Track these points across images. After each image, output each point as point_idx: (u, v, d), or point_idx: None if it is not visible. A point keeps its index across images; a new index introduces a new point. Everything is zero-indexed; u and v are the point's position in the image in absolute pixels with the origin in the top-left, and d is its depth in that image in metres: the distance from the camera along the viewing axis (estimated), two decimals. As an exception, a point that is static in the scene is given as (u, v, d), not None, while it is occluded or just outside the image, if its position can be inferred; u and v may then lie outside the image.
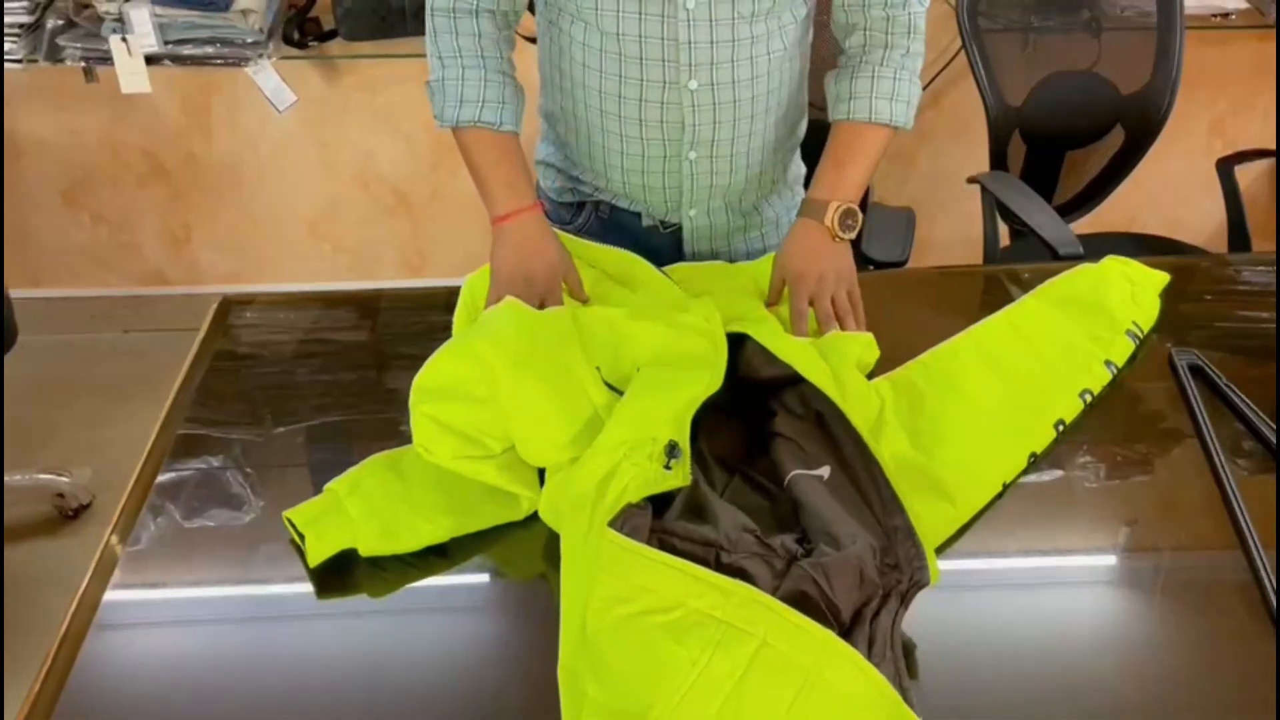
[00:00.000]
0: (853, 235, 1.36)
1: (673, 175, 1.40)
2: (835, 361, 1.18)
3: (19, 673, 1.90)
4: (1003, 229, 2.21)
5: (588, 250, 1.39)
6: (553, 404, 1.10)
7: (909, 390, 1.24)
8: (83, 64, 2.31)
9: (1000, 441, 1.18)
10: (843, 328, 1.30)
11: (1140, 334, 1.32)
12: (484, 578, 1.10)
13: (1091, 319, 1.32)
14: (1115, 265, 1.40)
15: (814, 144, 1.53)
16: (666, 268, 1.38)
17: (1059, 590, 1.09)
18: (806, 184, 1.47)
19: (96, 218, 2.90)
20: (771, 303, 1.34)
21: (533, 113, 1.50)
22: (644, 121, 1.35)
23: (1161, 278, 1.39)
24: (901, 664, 0.91)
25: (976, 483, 1.14)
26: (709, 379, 1.12)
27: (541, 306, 1.24)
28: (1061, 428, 1.21)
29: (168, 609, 1.08)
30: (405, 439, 1.13)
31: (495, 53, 1.34)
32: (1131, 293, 1.36)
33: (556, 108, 1.44)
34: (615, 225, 1.49)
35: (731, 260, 1.48)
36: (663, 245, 1.49)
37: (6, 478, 2.29)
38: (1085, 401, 1.24)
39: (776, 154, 1.46)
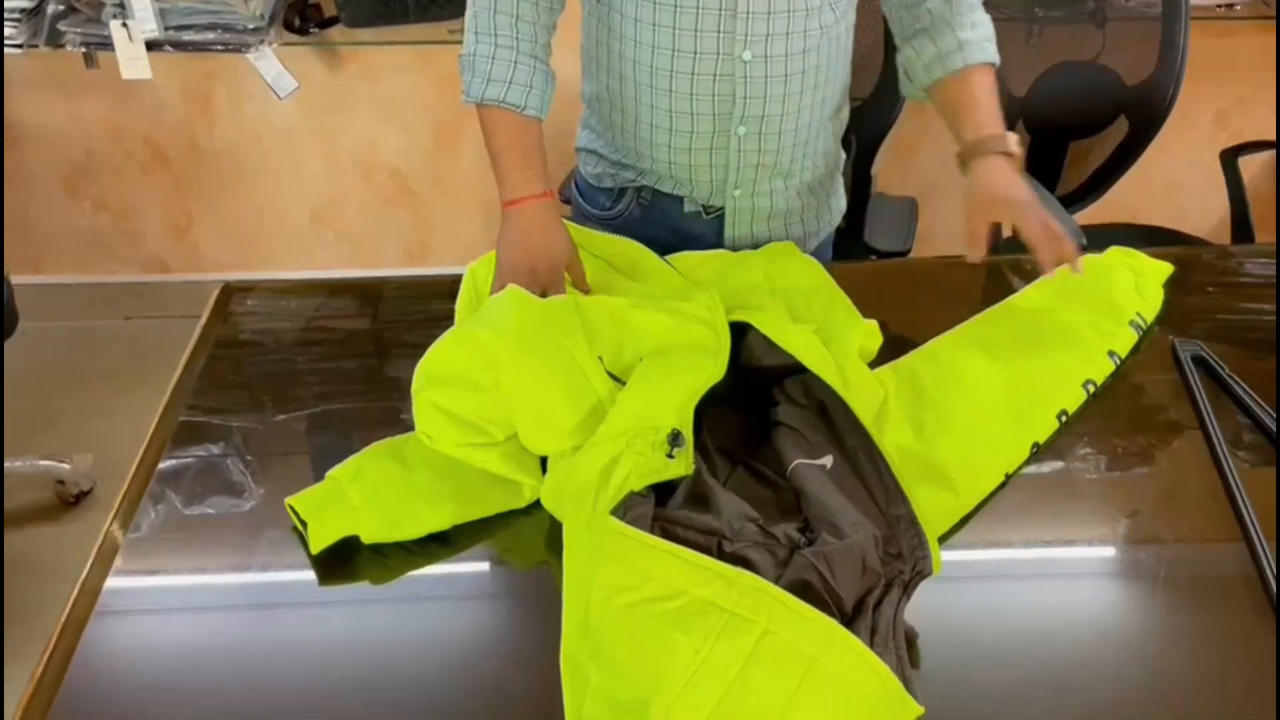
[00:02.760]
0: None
1: (720, 153, 1.41)
2: (838, 351, 1.18)
3: (19, 657, 1.91)
4: (1006, 220, 2.21)
5: (592, 240, 1.39)
6: (556, 392, 1.10)
7: (911, 380, 1.24)
8: (83, 50, 2.31)
9: (1003, 431, 1.18)
10: (1065, 253, 1.25)
11: (1144, 325, 1.32)
12: (486, 565, 1.10)
13: (1095, 310, 1.32)
14: (1119, 256, 1.40)
15: (853, 133, 1.54)
16: (670, 256, 1.38)
17: (1061, 581, 1.09)
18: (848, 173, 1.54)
19: (98, 204, 2.90)
20: (980, 252, 1.28)
21: (570, 101, 1.51)
22: (695, 95, 1.35)
23: (1165, 268, 1.39)
24: (904, 653, 0.91)
25: (979, 472, 1.14)
26: (712, 368, 1.12)
27: (544, 296, 1.23)
28: (1064, 418, 1.21)
29: (169, 596, 1.08)
30: (406, 427, 1.13)
31: (530, 36, 1.34)
32: (1135, 284, 1.35)
33: (602, 89, 1.44)
34: (656, 212, 1.49)
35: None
36: (704, 232, 1.49)
37: (7, 464, 2.30)
38: (1088, 392, 1.24)
39: (821, 135, 1.47)
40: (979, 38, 1.39)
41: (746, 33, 1.30)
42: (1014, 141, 1.32)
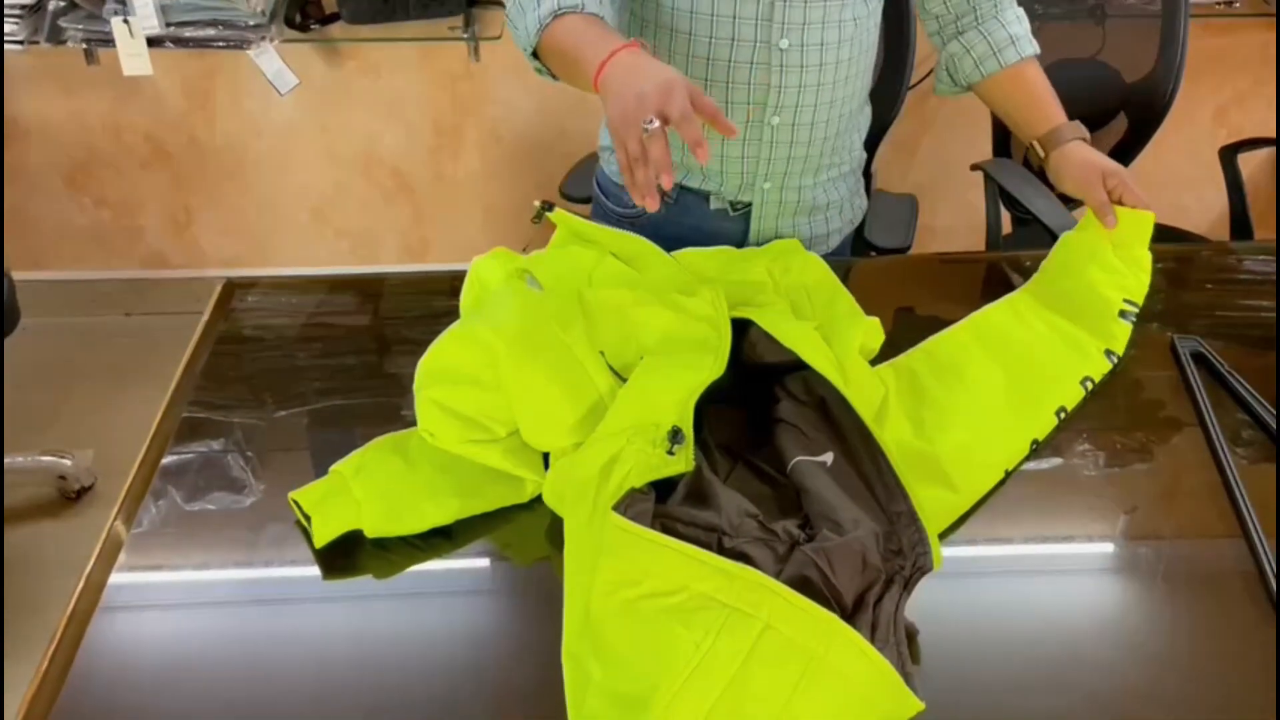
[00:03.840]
0: None
1: (753, 144, 1.41)
2: (839, 347, 1.18)
3: (20, 652, 1.92)
4: (1005, 216, 2.21)
5: (594, 232, 1.39)
6: (557, 389, 1.11)
7: (911, 377, 1.24)
8: (84, 46, 2.31)
9: (1002, 428, 1.18)
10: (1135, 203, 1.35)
11: (1135, 309, 1.32)
12: (488, 560, 1.10)
13: (1084, 315, 1.32)
14: (1093, 236, 1.38)
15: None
16: (675, 253, 1.38)
17: (1061, 577, 1.09)
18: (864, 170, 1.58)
19: (99, 200, 2.90)
20: (1114, 219, 1.35)
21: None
22: (731, 84, 1.36)
23: (1146, 222, 1.35)
24: (904, 648, 0.92)
25: (979, 469, 1.14)
26: (712, 365, 1.13)
27: (666, 122, 1.04)
28: (1063, 415, 1.21)
29: (172, 591, 1.08)
30: (407, 423, 1.14)
31: None
32: (1118, 261, 1.35)
33: None
34: (682, 209, 1.50)
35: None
36: (730, 230, 1.50)
37: (9, 460, 2.30)
38: (1086, 389, 1.25)
39: (849, 129, 1.50)
40: (1025, 32, 1.48)
41: (784, 20, 1.31)
42: (1081, 126, 1.44)
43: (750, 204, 1.48)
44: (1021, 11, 1.50)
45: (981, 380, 1.23)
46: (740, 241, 1.49)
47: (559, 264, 1.31)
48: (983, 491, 1.13)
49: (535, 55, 1.23)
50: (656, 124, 1.03)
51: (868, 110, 1.55)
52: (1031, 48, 1.48)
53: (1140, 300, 1.34)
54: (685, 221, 1.48)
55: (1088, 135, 1.44)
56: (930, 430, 1.17)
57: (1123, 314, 1.31)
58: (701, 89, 1.21)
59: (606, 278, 1.31)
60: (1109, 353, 1.28)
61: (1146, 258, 1.35)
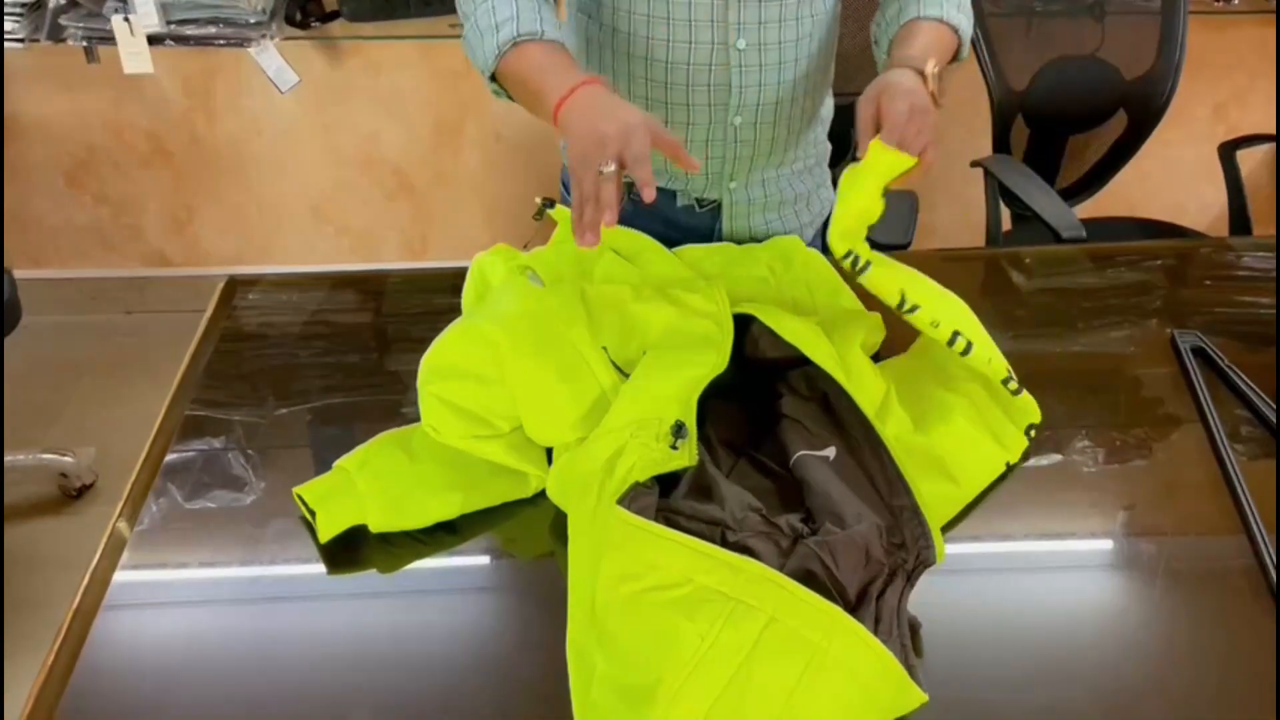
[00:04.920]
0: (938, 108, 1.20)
1: (716, 144, 1.41)
2: (840, 343, 1.18)
3: (21, 650, 1.92)
4: (1005, 213, 2.21)
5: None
6: (560, 384, 1.11)
7: (909, 374, 1.24)
8: (85, 44, 2.31)
9: (994, 418, 1.17)
10: (914, 153, 1.13)
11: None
12: (492, 555, 1.10)
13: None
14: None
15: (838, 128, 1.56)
16: (676, 249, 1.38)
17: (1062, 572, 1.10)
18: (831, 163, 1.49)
19: (99, 199, 2.90)
20: (864, 140, 1.16)
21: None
22: (691, 87, 1.35)
23: (902, 161, 1.14)
24: (907, 641, 0.92)
25: (978, 460, 1.14)
26: (715, 360, 1.13)
27: (622, 167, 1.07)
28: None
29: (176, 589, 1.08)
30: (410, 420, 1.14)
31: None
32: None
33: None
34: (649, 207, 1.48)
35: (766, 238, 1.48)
36: (698, 225, 1.50)
37: (10, 458, 2.30)
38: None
39: (813, 123, 1.49)
40: (941, 3, 1.32)
41: (740, 20, 1.30)
42: (931, 63, 1.20)
43: (717, 201, 1.48)
44: None
45: (973, 376, 1.22)
46: (709, 238, 1.49)
47: (560, 260, 1.32)
48: (984, 484, 1.13)
49: (494, 78, 1.26)
50: (613, 168, 1.06)
51: (830, 102, 1.54)
52: (936, 10, 1.31)
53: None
54: (656, 217, 1.47)
55: (930, 72, 1.19)
56: (929, 424, 1.17)
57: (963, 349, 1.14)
58: (662, 92, 1.27)
59: (608, 274, 1.31)
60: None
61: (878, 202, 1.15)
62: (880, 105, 1.17)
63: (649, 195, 1.07)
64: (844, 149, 1.46)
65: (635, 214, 1.46)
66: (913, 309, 1.14)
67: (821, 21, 1.37)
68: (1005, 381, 1.14)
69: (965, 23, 1.36)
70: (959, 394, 1.19)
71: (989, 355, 1.14)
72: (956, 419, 1.17)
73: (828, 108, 1.54)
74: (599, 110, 1.11)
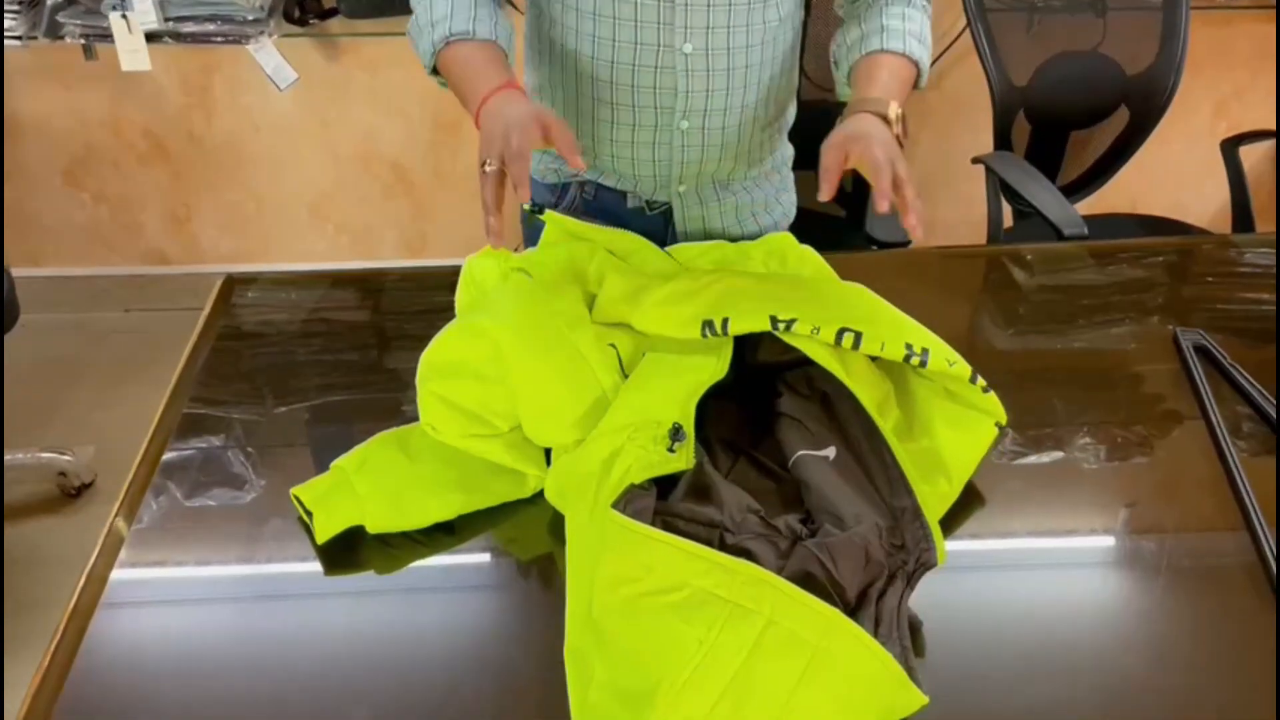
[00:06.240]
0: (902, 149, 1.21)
1: (663, 148, 1.40)
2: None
3: (20, 648, 1.92)
4: (1006, 210, 2.21)
5: (588, 230, 1.39)
6: (560, 385, 1.11)
7: (898, 377, 1.23)
8: (82, 41, 2.31)
9: (968, 415, 1.15)
10: (903, 215, 1.14)
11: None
12: (491, 555, 1.10)
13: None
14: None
15: (804, 127, 1.54)
16: (670, 248, 1.37)
17: (1064, 570, 1.09)
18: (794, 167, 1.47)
19: (97, 197, 2.90)
20: (827, 190, 1.14)
21: None
22: (636, 88, 1.34)
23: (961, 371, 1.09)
24: (908, 643, 0.91)
25: (964, 458, 1.12)
26: (715, 366, 1.12)
27: (518, 154, 1.11)
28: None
29: (174, 587, 1.08)
30: (408, 418, 1.14)
31: None
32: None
33: (544, 81, 1.43)
34: (599, 207, 1.48)
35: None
36: (650, 227, 1.48)
37: (9, 456, 2.30)
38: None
39: (767, 131, 1.46)
40: (904, 30, 1.33)
41: (686, 24, 1.29)
42: (895, 107, 1.21)
43: (667, 203, 1.47)
44: (916, 15, 1.35)
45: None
46: (663, 239, 1.46)
47: (554, 261, 1.31)
48: (967, 477, 1.11)
49: (436, 72, 1.32)
50: (494, 166, 1.14)
51: (792, 108, 1.51)
52: (899, 44, 1.31)
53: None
54: (607, 218, 1.45)
55: (893, 116, 1.21)
56: (923, 422, 1.15)
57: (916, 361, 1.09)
58: (608, 92, 1.30)
59: (602, 274, 1.31)
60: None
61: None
62: (850, 154, 1.16)
63: (524, 195, 1.12)
64: (809, 155, 1.40)
65: (588, 214, 1.46)
66: (856, 340, 1.07)
67: (774, 30, 1.35)
68: (973, 379, 1.10)
69: (925, 55, 1.35)
70: (937, 394, 1.18)
71: (948, 357, 1.09)
72: (937, 414, 1.15)
73: (790, 112, 1.52)
74: (498, 116, 1.17)
